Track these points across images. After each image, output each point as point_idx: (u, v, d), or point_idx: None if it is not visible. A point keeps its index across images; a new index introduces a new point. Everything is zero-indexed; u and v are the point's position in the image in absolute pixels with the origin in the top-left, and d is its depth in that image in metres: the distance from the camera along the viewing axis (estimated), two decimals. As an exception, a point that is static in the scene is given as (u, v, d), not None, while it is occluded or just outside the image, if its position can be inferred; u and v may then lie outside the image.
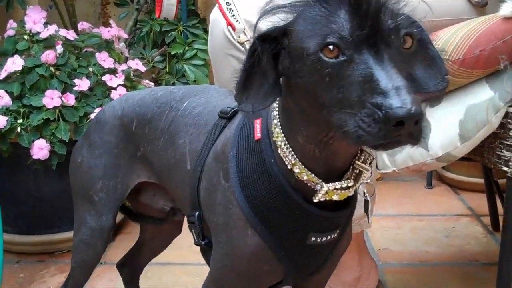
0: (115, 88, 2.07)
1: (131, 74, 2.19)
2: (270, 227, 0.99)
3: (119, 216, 2.11)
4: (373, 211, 1.66)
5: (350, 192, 0.96)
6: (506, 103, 1.45)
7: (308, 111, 0.89)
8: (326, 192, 0.93)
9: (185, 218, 1.23)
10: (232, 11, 1.27)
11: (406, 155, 1.56)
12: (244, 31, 1.07)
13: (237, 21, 1.26)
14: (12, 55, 2.04)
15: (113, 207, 1.32)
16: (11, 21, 2.16)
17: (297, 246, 1.00)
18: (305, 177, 0.93)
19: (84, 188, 1.33)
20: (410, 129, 0.76)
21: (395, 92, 0.75)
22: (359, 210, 1.59)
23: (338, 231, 1.02)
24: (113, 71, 2.12)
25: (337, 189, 0.94)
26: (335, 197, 0.94)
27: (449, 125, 1.50)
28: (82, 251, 1.36)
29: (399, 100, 0.74)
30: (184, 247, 1.72)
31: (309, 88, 0.86)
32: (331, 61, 0.81)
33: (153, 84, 2.34)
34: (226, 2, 1.28)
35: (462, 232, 2.40)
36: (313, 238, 0.99)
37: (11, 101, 1.96)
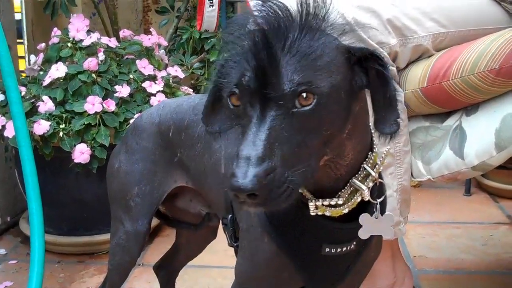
0: (154, 95, 2.12)
1: (170, 81, 2.23)
2: (285, 235, 1.01)
3: (157, 219, 2.16)
4: (406, 220, 1.67)
5: (344, 210, 0.96)
6: (543, 113, 1.44)
7: None
8: (317, 207, 0.95)
9: (220, 222, 1.26)
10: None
11: (442, 163, 1.56)
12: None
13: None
14: (56, 62, 2.11)
15: (149, 212, 1.35)
16: (55, 29, 2.23)
17: (313, 256, 1.02)
18: (300, 190, 0.95)
19: (121, 193, 1.37)
20: (245, 199, 0.78)
21: (243, 162, 0.78)
22: (392, 217, 1.61)
23: (355, 243, 1.02)
24: (152, 78, 2.17)
25: (325, 205, 0.95)
26: (327, 213, 0.95)
27: (485, 134, 1.49)
28: (118, 254, 1.39)
29: (240, 171, 0.77)
30: (220, 251, 1.75)
31: None
32: (233, 108, 0.85)
33: (192, 90, 2.38)
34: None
35: (500, 240, 2.38)
36: (327, 249, 1.01)
37: (54, 107, 2.02)
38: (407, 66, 1.60)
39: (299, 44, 0.82)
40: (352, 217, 0.98)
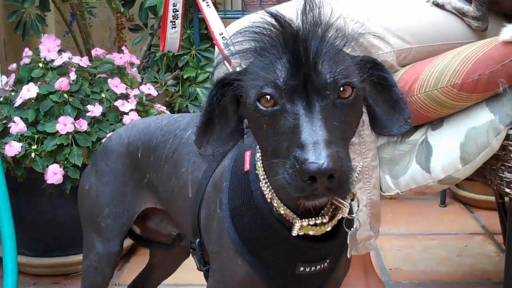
0: (127, 113, 2.12)
1: (144, 99, 2.24)
2: (258, 257, 1.01)
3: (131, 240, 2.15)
4: (377, 234, 1.68)
5: (327, 228, 0.96)
6: (506, 126, 1.47)
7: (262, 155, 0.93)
8: (301, 227, 0.95)
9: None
10: (228, 45, 1.31)
11: (409, 177, 1.58)
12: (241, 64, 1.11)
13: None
14: (27, 83, 2.10)
15: (120, 233, 1.36)
16: (26, 49, 2.23)
17: (287, 276, 1.02)
18: (282, 211, 0.95)
19: (91, 214, 1.37)
20: (324, 184, 0.77)
21: (312, 147, 0.77)
22: (363, 232, 1.62)
23: (328, 261, 1.03)
24: (125, 97, 2.17)
25: (311, 225, 0.95)
26: (311, 232, 0.95)
27: (450, 148, 1.52)
28: (90, 276, 1.40)
29: (313, 154, 0.76)
30: (195, 269, 1.75)
31: (255, 134, 0.89)
32: (267, 110, 0.84)
33: (166, 107, 2.39)
34: (223, 37, 1.31)
35: (475, 251, 2.40)
36: (301, 268, 1.01)
37: (26, 128, 2.02)
38: (372, 82, 1.62)
39: (327, 44, 0.84)
40: (327, 235, 0.99)
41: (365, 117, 0.94)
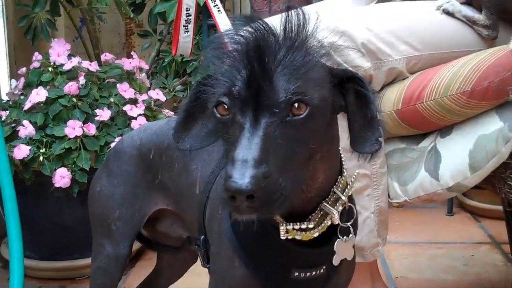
0: (135, 118, 2.12)
1: (152, 104, 2.25)
2: (254, 259, 1.01)
3: (139, 243, 2.14)
4: (384, 241, 1.68)
5: (314, 234, 0.96)
6: (516, 134, 1.46)
7: None
8: (287, 231, 0.95)
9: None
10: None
11: (418, 185, 1.58)
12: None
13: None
14: (37, 87, 2.11)
15: (130, 235, 1.36)
16: (36, 53, 2.24)
17: (282, 280, 1.02)
18: None
19: (102, 216, 1.37)
20: (244, 203, 0.78)
21: (239, 165, 0.78)
22: (370, 239, 1.62)
23: (324, 267, 1.02)
24: (134, 101, 2.18)
25: (296, 229, 0.95)
26: (297, 237, 0.96)
27: (459, 156, 1.51)
28: (99, 278, 1.40)
29: (238, 173, 0.77)
30: (203, 273, 1.73)
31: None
32: (221, 118, 0.85)
33: (174, 113, 2.39)
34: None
35: (481, 260, 2.39)
36: (296, 273, 1.01)
37: (34, 131, 2.03)
38: (382, 89, 1.62)
39: (290, 57, 0.84)
40: (322, 241, 0.99)
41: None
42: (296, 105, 0.82)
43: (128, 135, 1.41)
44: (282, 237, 0.95)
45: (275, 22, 0.88)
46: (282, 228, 0.95)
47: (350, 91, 0.91)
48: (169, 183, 1.30)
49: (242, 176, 0.77)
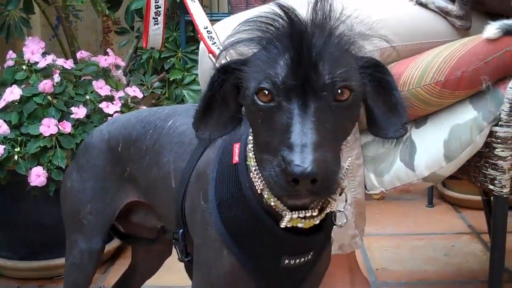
0: (111, 115, 2.11)
1: (129, 101, 2.23)
2: (245, 249, 1.01)
3: (118, 241, 2.13)
4: (362, 233, 1.68)
5: (316, 221, 0.97)
6: (490, 123, 1.46)
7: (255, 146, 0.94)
8: (291, 219, 0.95)
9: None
10: (213, 39, 1.31)
11: (394, 175, 1.58)
12: (225, 57, 1.10)
13: (218, 48, 1.30)
14: (11, 85, 2.09)
15: (102, 229, 1.35)
16: (10, 51, 2.21)
17: (272, 268, 1.02)
18: (272, 203, 0.95)
19: (73, 212, 1.37)
20: (306, 187, 0.78)
21: (299, 149, 0.78)
22: (348, 231, 1.62)
23: (312, 253, 1.03)
24: (110, 99, 2.16)
25: (300, 218, 0.95)
26: (300, 225, 0.95)
27: (434, 146, 1.52)
28: (73, 273, 1.39)
29: (299, 157, 0.77)
30: (181, 270, 1.73)
31: (251, 124, 0.90)
32: (263, 105, 0.84)
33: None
34: (207, 31, 1.31)
35: (462, 250, 2.40)
36: (286, 261, 1.01)
37: (9, 130, 2.00)
38: (356, 80, 1.62)
39: (334, 43, 0.84)
40: (311, 229, 0.99)
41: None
42: (339, 91, 0.84)
43: (97, 129, 1.41)
44: (283, 225, 0.95)
45: (299, 4, 0.87)
46: (287, 217, 0.94)
47: (372, 77, 0.92)
48: (139, 176, 1.29)
49: (305, 161, 0.77)
